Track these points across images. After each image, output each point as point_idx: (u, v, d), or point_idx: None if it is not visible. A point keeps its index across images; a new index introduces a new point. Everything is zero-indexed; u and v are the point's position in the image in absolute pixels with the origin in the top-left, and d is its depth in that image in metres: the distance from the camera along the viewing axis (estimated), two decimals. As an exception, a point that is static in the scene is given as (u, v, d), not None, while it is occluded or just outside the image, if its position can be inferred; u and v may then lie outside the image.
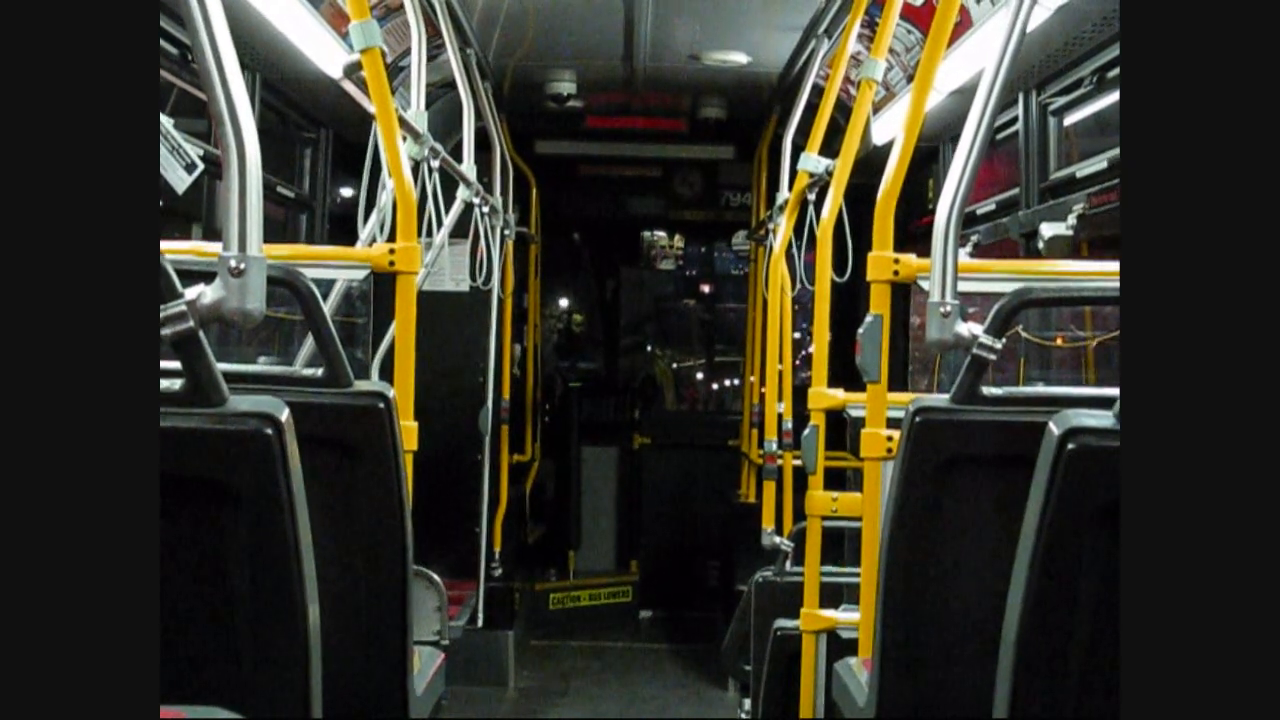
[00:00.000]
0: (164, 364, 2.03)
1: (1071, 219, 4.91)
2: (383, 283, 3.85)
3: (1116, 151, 4.78)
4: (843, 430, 4.47)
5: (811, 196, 5.77)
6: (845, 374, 4.68)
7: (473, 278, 7.10)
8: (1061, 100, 5.32)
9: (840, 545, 5.09)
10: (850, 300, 8.14)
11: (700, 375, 12.13)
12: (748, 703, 6.03)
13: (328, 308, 3.23)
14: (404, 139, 4.29)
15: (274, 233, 6.14)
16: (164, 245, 2.64)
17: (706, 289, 12.03)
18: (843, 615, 4.25)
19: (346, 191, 7.36)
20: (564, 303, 11.11)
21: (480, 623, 7.58)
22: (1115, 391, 2.34)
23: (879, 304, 3.57)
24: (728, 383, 12.03)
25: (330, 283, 4.29)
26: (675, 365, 12.11)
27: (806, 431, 4.53)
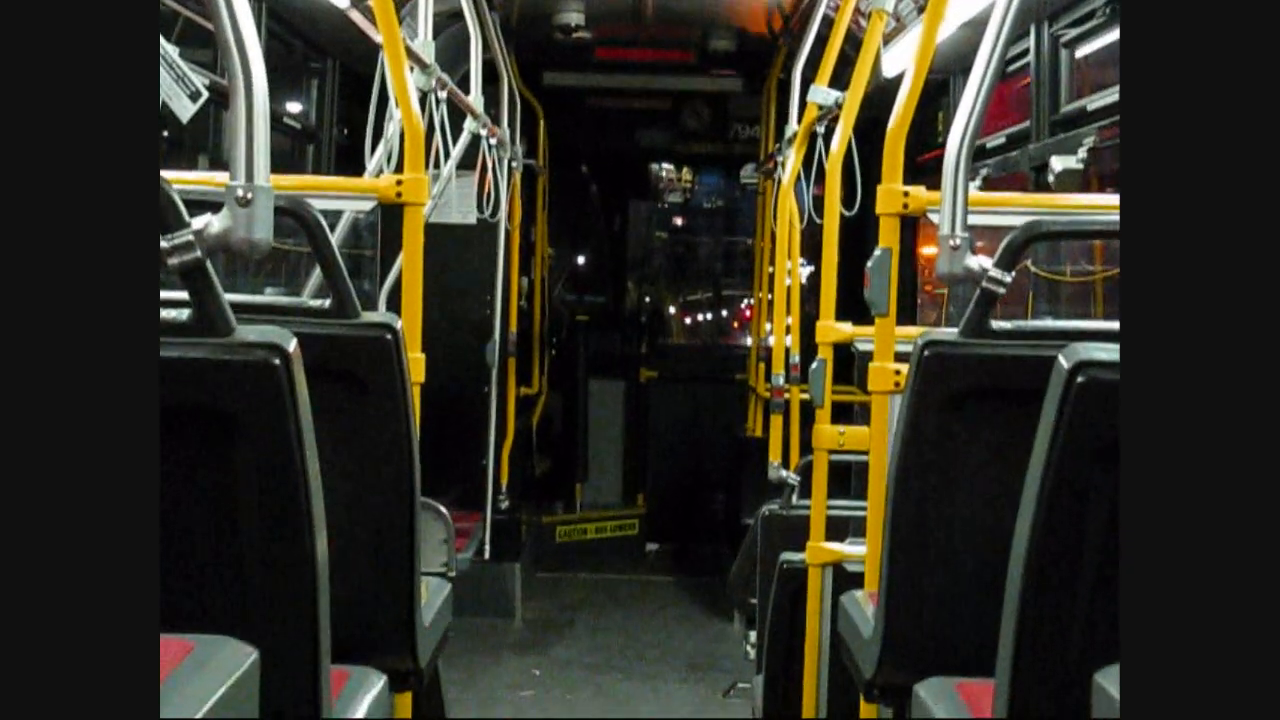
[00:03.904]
0: (171, 294, 2.02)
1: (1082, 153, 4.89)
2: (390, 214, 3.84)
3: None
4: (850, 364, 4.45)
5: (820, 129, 5.73)
6: (853, 307, 4.68)
7: (480, 210, 7.08)
8: (1074, 32, 5.27)
9: (847, 479, 5.09)
10: (859, 234, 8.12)
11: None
12: (753, 635, 6.06)
13: (335, 239, 3.21)
14: (411, 70, 4.26)
15: (281, 164, 6.11)
16: (171, 175, 2.63)
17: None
18: (849, 549, 4.26)
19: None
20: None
21: (487, 555, 7.61)
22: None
23: (888, 237, 3.55)
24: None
25: (337, 214, 4.27)
26: (681, 299, 12.10)
27: (814, 365, 4.52)
